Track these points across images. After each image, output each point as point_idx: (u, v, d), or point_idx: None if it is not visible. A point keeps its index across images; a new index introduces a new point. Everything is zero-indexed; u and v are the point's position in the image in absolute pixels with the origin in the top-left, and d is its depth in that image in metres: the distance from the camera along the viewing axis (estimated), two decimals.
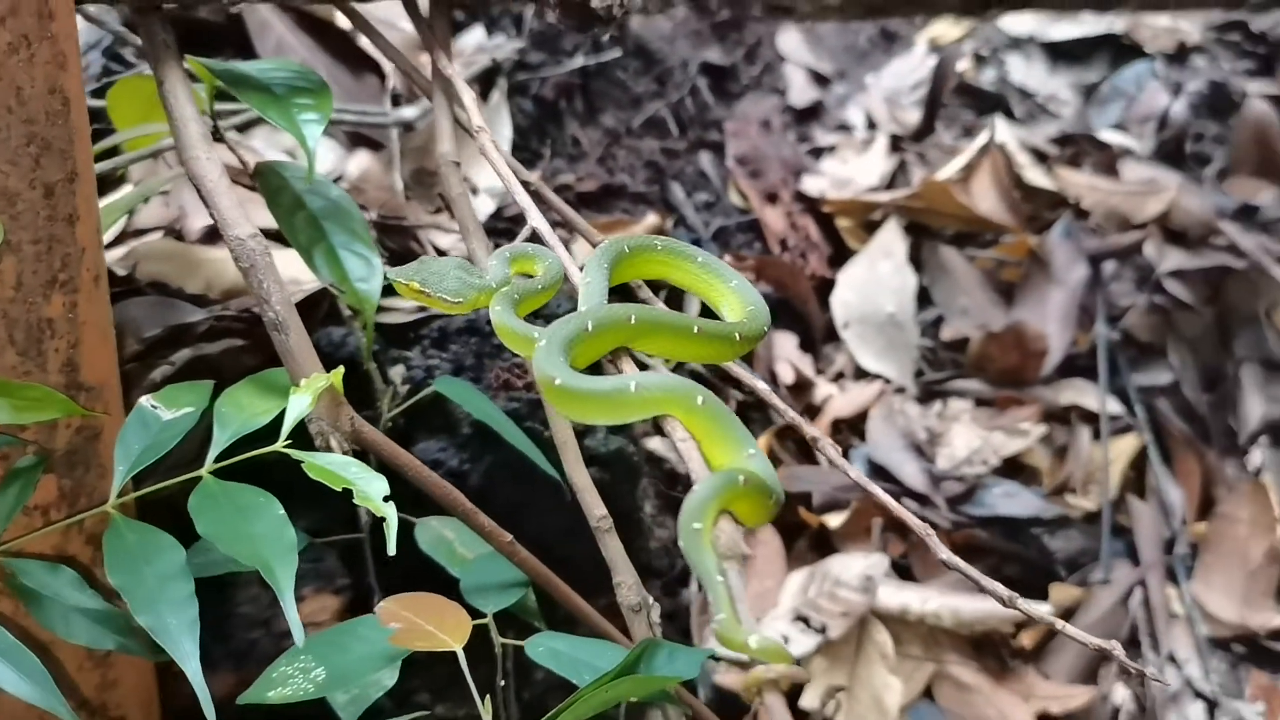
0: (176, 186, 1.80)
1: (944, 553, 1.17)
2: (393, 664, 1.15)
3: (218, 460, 1.09)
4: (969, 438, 2.14)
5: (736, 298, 1.08)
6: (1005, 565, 2.05)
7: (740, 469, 0.89)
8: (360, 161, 1.92)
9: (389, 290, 1.50)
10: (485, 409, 1.46)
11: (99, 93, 1.74)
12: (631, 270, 1.09)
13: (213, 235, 1.75)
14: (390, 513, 0.98)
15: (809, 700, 1.84)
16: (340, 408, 1.13)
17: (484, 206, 2.01)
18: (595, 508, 1.18)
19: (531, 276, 1.08)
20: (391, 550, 0.97)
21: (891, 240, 2.36)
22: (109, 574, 1.01)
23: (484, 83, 2.29)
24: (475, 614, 1.18)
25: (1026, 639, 1.98)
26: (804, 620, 1.88)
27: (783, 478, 1.66)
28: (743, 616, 0.80)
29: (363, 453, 1.12)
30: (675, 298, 1.57)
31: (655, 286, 1.17)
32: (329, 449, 1.11)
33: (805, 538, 2.03)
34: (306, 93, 1.28)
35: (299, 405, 1.06)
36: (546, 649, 1.18)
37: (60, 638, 1.13)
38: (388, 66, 2.07)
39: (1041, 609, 1.09)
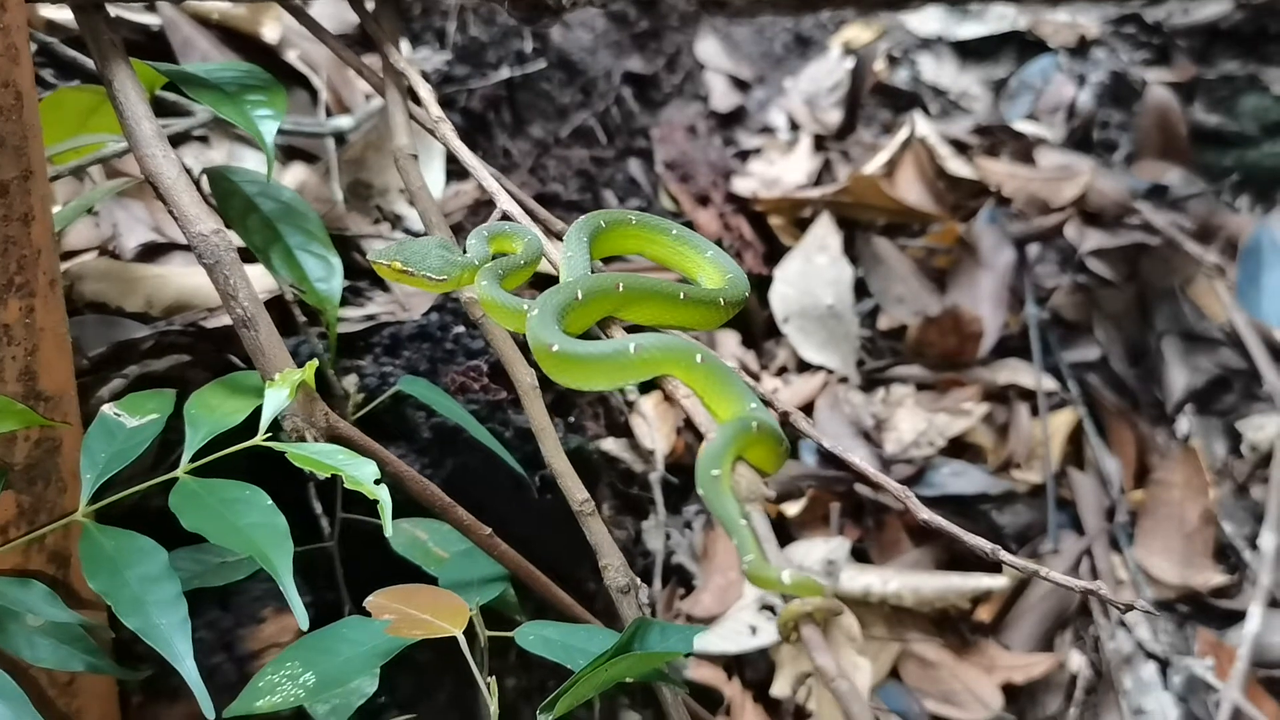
0: (106, 205, 1.74)
1: (924, 513, 1.20)
2: (377, 668, 1.12)
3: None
4: (914, 421, 2.18)
5: (714, 267, 1.09)
6: (958, 542, 2.08)
7: (751, 417, 0.89)
8: (296, 174, 1.88)
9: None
10: (451, 407, 1.44)
11: None
12: (608, 244, 1.09)
13: (150, 253, 1.70)
14: (384, 495, 0.96)
15: (780, 688, 1.85)
16: (314, 403, 1.11)
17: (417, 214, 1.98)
18: (577, 492, 1.17)
19: (510, 254, 1.08)
20: (388, 531, 0.95)
21: (825, 234, 2.39)
22: (89, 581, 0.97)
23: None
24: None
25: (984, 612, 2.01)
26: (770, 609, 1.89)
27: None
28: (771, 555, 0.80)
29: None
30: None
31: None
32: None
33: None
34: (258, 90, 1.25)
35: (277, 399, 1.03)
36: (537, 637, 1.17)
37: (25, 662, 1.08)
38: (317, 80, 2.05)
39: (1020, 561, 1.11)
